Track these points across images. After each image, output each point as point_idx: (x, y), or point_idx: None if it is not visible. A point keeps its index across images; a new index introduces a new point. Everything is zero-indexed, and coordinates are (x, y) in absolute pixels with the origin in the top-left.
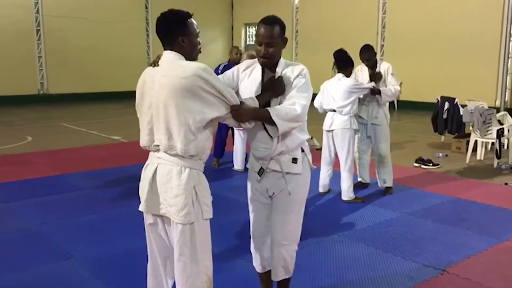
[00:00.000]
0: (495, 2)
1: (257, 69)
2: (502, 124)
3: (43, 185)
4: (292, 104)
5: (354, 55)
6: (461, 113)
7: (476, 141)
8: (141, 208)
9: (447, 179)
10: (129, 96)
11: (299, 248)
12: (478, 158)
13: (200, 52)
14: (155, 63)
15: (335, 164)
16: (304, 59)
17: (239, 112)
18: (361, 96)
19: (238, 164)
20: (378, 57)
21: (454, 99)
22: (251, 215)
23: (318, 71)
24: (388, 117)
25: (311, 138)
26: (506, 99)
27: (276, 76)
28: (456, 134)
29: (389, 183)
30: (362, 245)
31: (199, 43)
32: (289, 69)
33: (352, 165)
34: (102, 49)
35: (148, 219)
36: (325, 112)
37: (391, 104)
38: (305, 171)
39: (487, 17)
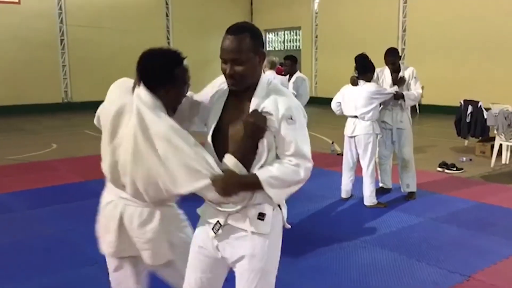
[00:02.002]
0: None
1: (225, 90)
2: None
3: (68, 192)
4: (296, 165)
5: (375, 59)
6: (485, 117)
7: (501, 145)
8: (106, 251)
9: (472, 184)
10: None
11: (322, 253)
12: (503, 162)
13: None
14: None
15: (357, 169)
16: (324, 64)
17: (222, 186)
18: (386, 101)
19: None
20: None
21: (477, 102)
22: (188, 270)
23: (338, 76)
24: (411, 121)
25: (332, 143)
26: None
27: (251, 109)
28: (480, 138)
29: (413, 188)
30: (386, 251)
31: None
32: (271, 99)
33: (374, 170)
34: (124, 57)
35: (111, 263)
36: (341, 114)
37: (413, 108)
38: (274, 231)
39: (508, 18)
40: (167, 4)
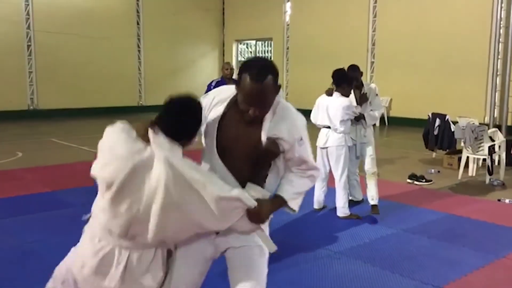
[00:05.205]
0: (483, 22)
1: (224, 103)
2: (493, 141)
3: (35, 202)
4: (310, 176)
5: None
6: (452, 130)
7: (467, 158)
8: None
9: (441, 196)
10: (120, 112)
11: (296, 265)
12: (470, 174)
13: None
14: None
15: (329, 180)
16: (295, 75)
17: (260, 217)
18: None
19: None
20: (368, 74)
21: (445, 115)
22: (177, 273)
23: (309, 87)
24: (374, 135)
25: None
26: (495, 115)
27: (263, 135)
28: (447, 150)
29: (376, 201)
30: (359, 262)
31: None
32: (282, 125)
33: (346, 181)
34: (93, 64)
35: None
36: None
37: (382, 120)
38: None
39: (476, 35)
40: (138, 12)
